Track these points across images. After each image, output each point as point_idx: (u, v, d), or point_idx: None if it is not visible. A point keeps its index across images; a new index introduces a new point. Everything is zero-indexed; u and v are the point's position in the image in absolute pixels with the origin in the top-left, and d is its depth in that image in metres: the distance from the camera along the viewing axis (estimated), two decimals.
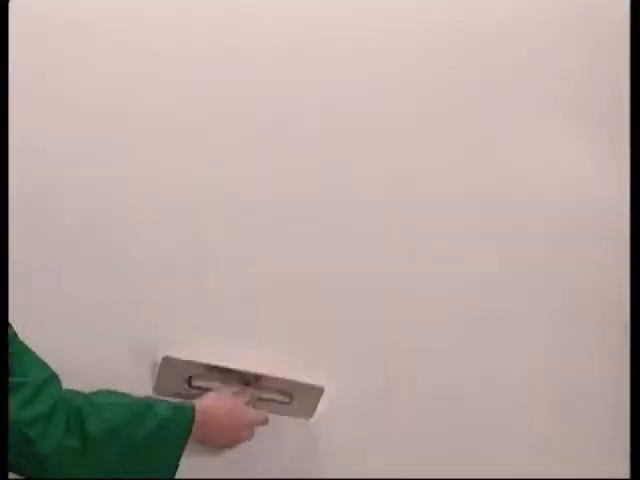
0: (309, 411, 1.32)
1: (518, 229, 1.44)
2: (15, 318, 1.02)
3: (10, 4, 1.16)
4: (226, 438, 1.23)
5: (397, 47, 1.39)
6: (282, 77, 1.35)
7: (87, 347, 1.23)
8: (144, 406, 1.10)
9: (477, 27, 1.42)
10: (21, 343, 1.02)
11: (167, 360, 1.22)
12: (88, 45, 1.27)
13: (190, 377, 1.23)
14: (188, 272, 1.30)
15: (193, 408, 1.13)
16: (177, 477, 1.32)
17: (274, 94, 1.35)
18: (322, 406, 1.31)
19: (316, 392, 1.30)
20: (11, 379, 0.96)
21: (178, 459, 1.12)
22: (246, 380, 1.25)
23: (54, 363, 1.06)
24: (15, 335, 1.01)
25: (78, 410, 1.02)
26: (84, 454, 1.01)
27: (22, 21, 1.21)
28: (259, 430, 1.29)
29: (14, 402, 0.95)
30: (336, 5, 1.37)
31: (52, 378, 1.03)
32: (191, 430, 1.12)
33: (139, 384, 1.23)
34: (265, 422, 1.27)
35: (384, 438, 1.41)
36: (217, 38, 1.32)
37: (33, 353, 1.03)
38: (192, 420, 1.12)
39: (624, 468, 1.21)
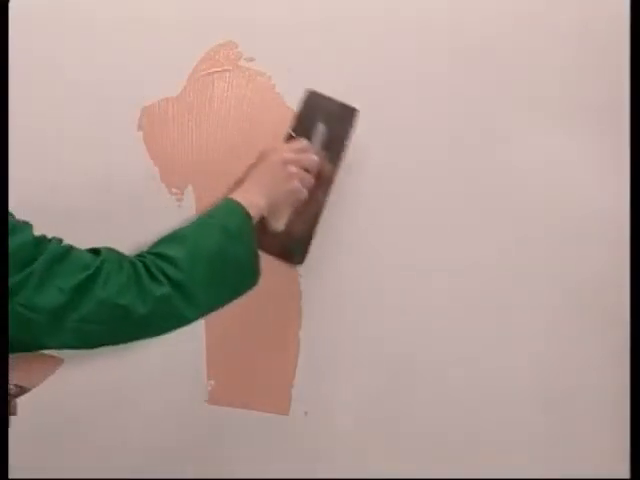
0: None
1: (518, 229, 1.44)
2: None
3: (10, 4, 1.16)
4: (265, 182, 1.20)
5: (397, 47, 1.39)
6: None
7: None
8: (199, 222, 1.11)
9: (477, 27, 1.42)
10: (68, 245, 1.02)
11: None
12: (88, 45, 1.27)
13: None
14: None
15: (238, 202, 1.14)
16: (177, 477, 1.33)
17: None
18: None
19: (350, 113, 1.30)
20: (83, 274, 0.96)
21: (254, 248, 1.12)
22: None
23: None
24: (61, 241, 1.01)
25: (153, 261, 1.03)
26: (185, 289, 1.02)
27: (22, 21, 1.21)
28: (263, 426, 1.30)
29: (97, 286, 0.96)
30: (335, 5, 1.37)
31: (111, 250, 1.04)
32: (248, 221, 1.12)
33: None
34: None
35: (384, 438, 1.41)
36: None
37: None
38: (238, 203, 1.13)
39: (624, 468, 1.21)
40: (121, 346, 1.27)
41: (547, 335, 1.45)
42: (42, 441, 1.28)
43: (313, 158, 1.25)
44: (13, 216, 1.00)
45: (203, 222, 1.13)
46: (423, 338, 1.41)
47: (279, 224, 1.25)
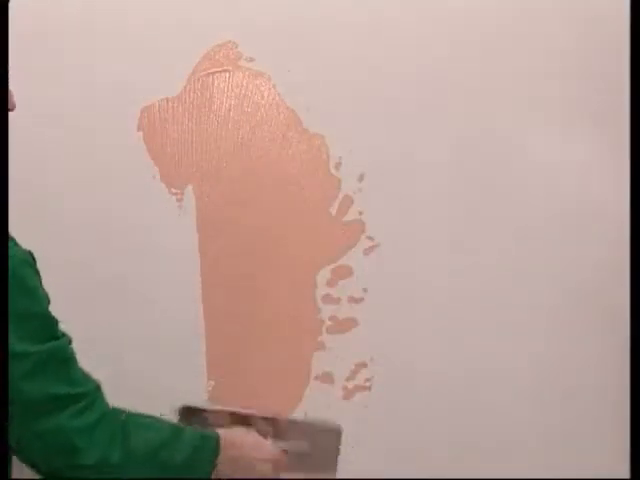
0: (331, 462, 1.29)
1: (518, 229, 1.44)
2: None
3: (10, 4, 1.16)
4: (247, 468, 1.19)
5: (397, 48, 1.39)
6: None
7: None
8: (178, 430, 1.10)
9: (478, 28, 1.42)
10: (74, 352, 1.00)
11: (185, 409, 1.22)
12: (88, 45, 1.27)
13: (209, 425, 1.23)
14: None
15: (218, 436, 1.13)
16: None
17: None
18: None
19: (335, 434, 1.28)
20: (69, 389, 0.95)
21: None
22: (264, 428, 1.24)
23: None
24: (71, 342, 1.00)
25: (124, 424, 1.02)
26: (122, 469, 1.00)
27: (22, 21, 1.21)
28: None
29: (69, 411, 0.95)
30: (335, 5, 1.37)
31: (99, 387, 1.03)
32: (217, 455, 1.11)
33: None
34: (284, 464, 1.23)
35: (384, 438, 1.41)
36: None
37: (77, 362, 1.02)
38: (218, 446, 1.11)
39: (624, 468, 1.21)
40: (121, 346, 1.28)
41: (547, 335, 1.45)
42: None
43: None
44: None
45: (184, 438, 1.08)
46: (423, 338, 1.41)
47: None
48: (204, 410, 1.23)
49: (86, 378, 1.01)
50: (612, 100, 1.44)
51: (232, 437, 1.16)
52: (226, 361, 1.35)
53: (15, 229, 1.14)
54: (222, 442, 1.12)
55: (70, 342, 0.99)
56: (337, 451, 1.26)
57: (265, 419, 1.23)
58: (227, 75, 1.33)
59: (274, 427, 1.23)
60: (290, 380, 1.37)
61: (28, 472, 1.15)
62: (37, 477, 1.22)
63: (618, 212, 1.42)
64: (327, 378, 1.38)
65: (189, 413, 1.22)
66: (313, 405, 1.38)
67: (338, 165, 1.38)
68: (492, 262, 1.43)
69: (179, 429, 1.10)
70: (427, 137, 1.41)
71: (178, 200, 1.31)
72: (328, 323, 1.38)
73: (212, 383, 1.34)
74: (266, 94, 1.35)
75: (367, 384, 1.40)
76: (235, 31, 1.32)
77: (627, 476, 1.14)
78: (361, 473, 1.38)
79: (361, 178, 1.38)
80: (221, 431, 1.14)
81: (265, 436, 1.22)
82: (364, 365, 1.40)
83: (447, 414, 1.42)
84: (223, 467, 1.12)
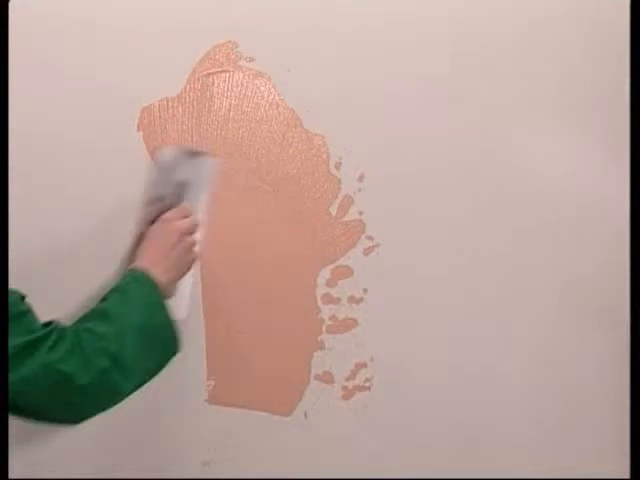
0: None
1: (518, 229, 1.44)
2: None
3: (10, 4, 1.16)
4: (169, 255, 1.19)
5: (397, 47, 1.39)
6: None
7: None
8: (117, 298, 1.10)
9: (478, 27, 1.42)
10: (27, 303, 1.01)
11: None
12: (88, 45, 1.27)
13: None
14: None
15: (140, 271, 1.14)
16: (177, 477, 1.33)
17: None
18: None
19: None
20: (32, 336, 0.96)
21: (170, 316, 1.13)
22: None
23: None
24: (23, 298, 1.01)
25: (100, 336, 1.03)
26: (120, 367, 1.02)
27: (22, 21, 1.21)
28: (260, 429, 1.29)
29: (42, 349, 0.95)
30: (335, 5, 1.37)
31: (61, 324, 1.04)
32: (152, 281, 1.12)
33: None
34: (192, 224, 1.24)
35: (384, 438, 1.41)
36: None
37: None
38: (142, 271, 1.13)
39: (624, 468, 1.21)
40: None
41: (547, 335, 1.45)
42: (41, 440, 1.28)
43: (196, 221, 1.24)
44: None
45: (120, 298, 1.11)
46: (423, 338, 1.41)
47: (180, 309, 1.24)
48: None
49: (46, 324, 1.02)
50: (612, 100, 1.44)
51: (141, 250, 1.19)
52: (226, 361, 1.35)
53: (15, 229, 1.14)
54: (142, 267, 1.14)
55: (23, 298, 1.00)
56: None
57: None
58: (227, 75, 1.33)
59: None
60: (290, 380, 1.37)
61: (28, 472, 1.15)
62: (37, 477, 1.22)
63: (618, 212, 1.42)
64: (327, 378, 1.38)
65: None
66: (313, 405, 1.38)
67: (338, 165, 1.38)
68: (492, 262, 1.43)
69: (117, 295, 1.11)
70: (427, 137, 1.41)
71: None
72: (328, 323, 1.38)
73: (212, 383, 1.34)
74: (266, 94, 1.35)
75: (367, 384, 1.40)
76: (235, 31, 1.32)
77: (627, 476, 1.15)
78: (361, 473, 1.38)
79: (361, 178, 1.38)
80: (134, 265, 1.16)
81: None
82: (364, 365, 1.40)
83: (447, 414, 1.42)
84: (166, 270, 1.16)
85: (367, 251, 1.39)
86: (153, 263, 1.16)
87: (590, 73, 1.45)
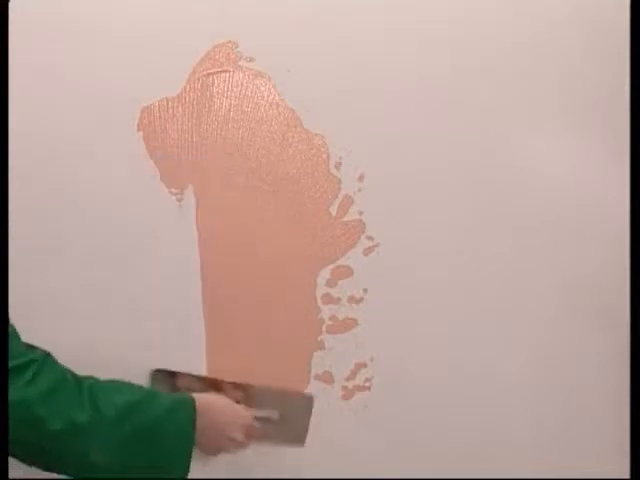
0: (301, 432, 1.29)
1: (518, 229, 1.44)
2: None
3: (10, 4, 1.16)
4: (221, 434, 1.19)
5: (397, 47, 1.39)
6: None
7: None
8: (150, 392, 1.08)
9: (478, 26, 1.42)
10: (12, 326, 0.98)
11: (156, 373, 1.21)
12: (88, 45, 1.27)
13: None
14: None
15: (193, 399, 1.11)
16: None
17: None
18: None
19: (307, 403, 1.27)
20: (11, 362, 0.92)
21: (189, 452, 1.08)
22: (235, 395, 1.23)
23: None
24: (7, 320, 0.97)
25: (91, 387, 1.00)
26: (93, 432, 0.97)
27: (22, 21, 1.21)
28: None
29: (20, 382, 0.92)
30: (335, 5, 1.37)
31: (49, 355, 1.00)
32: (194, 419, 1.08)
33: None
34: (255, 431, 1.23)
35: (384, 438, 1.41)
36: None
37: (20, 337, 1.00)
38: (194, 409, 1.09)
39: (624, 468, 1.21)
40: (121, 345, 1.27)
41: (547, 335, 1.45)
42: None
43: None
44: None
45: (153, 398, 1.07)
46: (423, 338, 1.41)
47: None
48: (175, 373, 1.21)
49: (29, 348, 0.98)
50: (612, 100, 1.44)
51: (207, 400, 1.13)
52: (226, 361, 1.35)
53: (15, 229, 1.14)
54: (197, 405, 1.09)
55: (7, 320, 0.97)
56: (308, 420, 1.25)
57: (235, 385, 1.21)
58: (227, 75, 1.33)
59: (245, 393, 1.21)
60: (290, 380, 1.37)
61: (28, 472, 1.15)
62: (37, 477, 1.22)
63: (618, 212, 1.42)
64: (327, 378, 1.38)
65: (160, 377, 1.20)
66: (313, 405, 1.38)
67: (338, 165, 1.38)
68: (492, 262, 1.43)
69: (152, 391, 1.08)
70: (427, 137, 1.41)
71: (178, 200, 1.31)
72: (328, 323, 1.38)
73: None
74: (266, 94, 1.35)
75: (367, 384, 1.40)
76: (235, 31, 1.32)
77: (627, 476, 1.14)
78: (361, 473, 1.38)
79: (361, 178, 1.38)
80: (195, 395, 1.12)
81: (236, 402, 1.20)
82: (364, 365, 1.40)
83: (447, 414, 1.42)
84: (200, 433, 1.09)
85: (367, 251, 1.39)
86: (208, 424, 1.12)
87: (590, 73, 1.45)
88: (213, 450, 1.21)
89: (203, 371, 1.34)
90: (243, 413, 1.20)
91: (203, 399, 1.13)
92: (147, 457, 1.05)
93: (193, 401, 1.10)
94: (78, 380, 1.01)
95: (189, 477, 1.31)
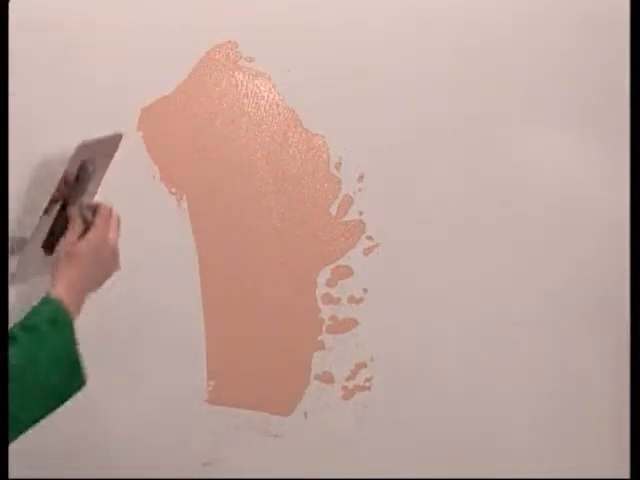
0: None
1: (518, 229, 1.44)
2: None
3: (10, 4, 1.16)
4: (102, 268, 1.10)
5: (397, 47, 1.39)
6: None
7: None
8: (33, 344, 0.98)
9: (478, 27, 1.42)
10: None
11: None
12: (88, 45, 1.27)
13: None
14: None
15: (56, 301, 1.02)
16: (177, 477, 1.33)
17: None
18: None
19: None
20: None
21: (75, 351, 1.03)
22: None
23: None
24: None
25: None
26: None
27: (22, 22, 1.21)
28: (260, 429, 1.29)
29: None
30: (335, 5, 1.37)
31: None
32: (61, 309, 1.01)
33: None
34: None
35: (384, 438, 1.41)
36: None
37: None
38: (56, 301, 1.01)
39: (624, 468, 1.21)
40: (121, 345, 1.27)
41: (547, 336, 1.45)
42: (41, 440, 1.28)
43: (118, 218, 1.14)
44: None
45: (31, 343, 0.98)
46: (423, 338, 1.41)
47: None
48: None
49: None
50: (612, 100, 1.44)
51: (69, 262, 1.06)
52: (226, 361, 1.35)
53: (15, 229, 1.14)
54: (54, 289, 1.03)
55: None
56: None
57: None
58: (227, 75, 1.33)
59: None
60: (290, 380, 1.37)
61: (28, 472, 1.15)
62: (37, 477, 1.22)
63: (618, 212, 1.42)
64: (327, 378, 1.38)
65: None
66: (313, 405, 1.38)
67: (338, 165, 1.38)
68: (492, 262, 1.43)
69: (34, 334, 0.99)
70: (427, 137, 1.41)
71: (178, 200, 1.31)
72: (328, 323, 1.38)
73: (212, 383, 1.35)
74: (266, 94, 1.35)
75: (367, 384, 1.40)
76: (235, 31, 1.32)
77: (627, 476, 1.14)
78: (361, 473, 1.38)
79: (361, 178, 1.38)
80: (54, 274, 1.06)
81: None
82: (364, 365, 1.40)
83: (447, 414, 1.42)
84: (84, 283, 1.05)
85: (367, 251, 1.39)
86: (77, 289, 1.05)
87: (590, 73, 1.45)
88: (107, 274, 1.12)
89: (203, 371, 1.34)
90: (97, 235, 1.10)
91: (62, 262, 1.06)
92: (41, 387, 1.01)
93: (62, 311, 1.02)
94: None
95: (190, 477, 1.31)
